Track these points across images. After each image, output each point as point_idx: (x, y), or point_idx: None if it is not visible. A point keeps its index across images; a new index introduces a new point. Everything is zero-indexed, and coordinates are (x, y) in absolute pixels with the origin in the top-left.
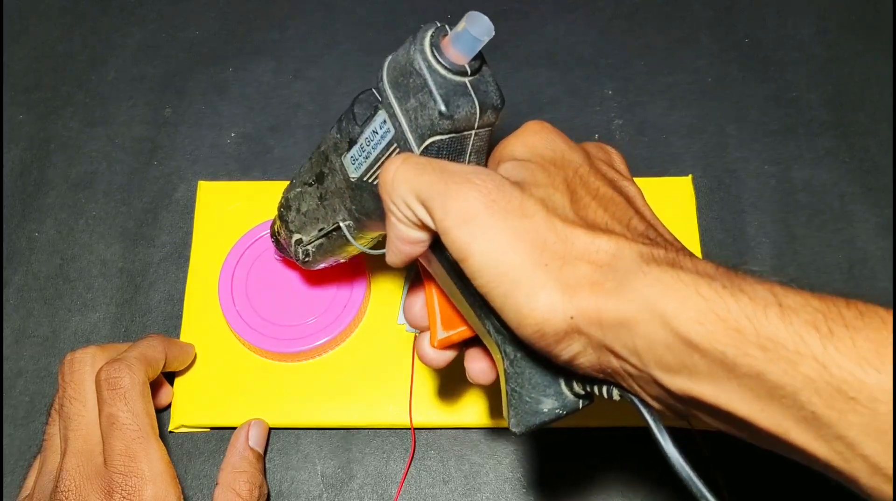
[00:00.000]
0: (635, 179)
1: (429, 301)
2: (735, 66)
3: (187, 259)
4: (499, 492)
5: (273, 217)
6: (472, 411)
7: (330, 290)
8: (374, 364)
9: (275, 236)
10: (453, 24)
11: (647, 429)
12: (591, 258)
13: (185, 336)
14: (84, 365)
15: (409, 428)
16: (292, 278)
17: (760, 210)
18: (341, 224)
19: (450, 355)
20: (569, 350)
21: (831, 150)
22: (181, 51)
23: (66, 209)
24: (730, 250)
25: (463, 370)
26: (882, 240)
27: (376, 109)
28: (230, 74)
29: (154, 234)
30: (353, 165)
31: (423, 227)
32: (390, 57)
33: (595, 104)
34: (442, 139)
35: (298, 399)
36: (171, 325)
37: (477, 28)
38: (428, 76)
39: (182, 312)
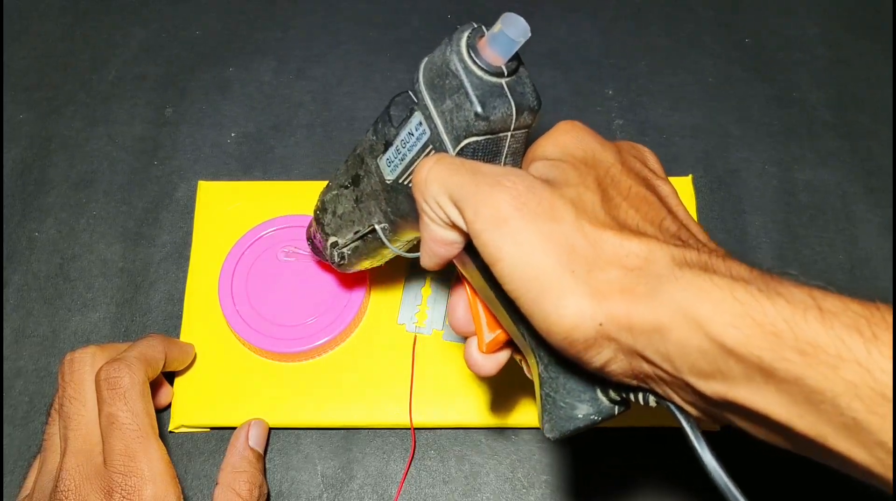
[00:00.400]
0: None
1: (472, 304)
2: (737, 66)
3: (187, 259)
4: (499, 492)
5: (309, 219)
6: (472, 411)
7: (330, 290)
8: (374, 364)
9: (310, 239)
10: (453, 24)
11: (683, 435)
12: (622, 262)
13: (185, 336)
14: (84, 365)
15: (409, 428)
16: (292, 278)
17: (762, 210)
18: (376, 227)
19: (502, 358)
20: (599, 357)
21: (833, 150)
22: (182, 50)
23: (66, 209)
24: (731, 250)
25: (463, 370)
26: (884, 240)
27: (412, 111)
28: (231, 74)
29: (154, 233)
30: (389, 167)
31: (456, 228)
32: (427, 58)
33: (596, 104)
34: (478, 141)
35: (298, 399)
36: (171, 325)
37: (513, 30)
38: (464, 77)
39: (182, 312)
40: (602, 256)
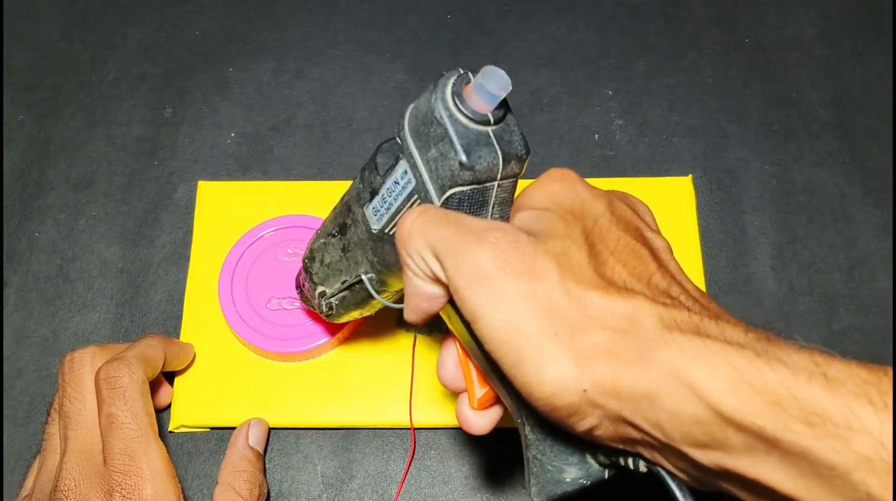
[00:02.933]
0: (635, 180)
1: (462, 359)
2: (736, 66)
3: (187, 259)
4: (499, 492)
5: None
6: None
7: None
8: (374, 364)
9: (299, 287)
10: (452, 24)
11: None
12: (607, 323)
13: (185, 336)
14: (84, 365)
15: (409, 428)
16: (292, 278)
17: (761, 211)
18: (363, 277)
19: (495, 414)
20: (584, 423)
21: (832, 151)
22: (181, 51)
23: (66, 209)
24: (730, 250)
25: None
26: (882, 241)
27: (398, 159)
28: (230, 74)
29: (154, 234)
30: (375, 216)
31: (440, 282)
32: (412, 105)
33: (596, 104)
34: (463, 191)
35: (298, 399)
36: (171, 325)
37: (493, 84)
38: (449, 125)
39: (182, 312)
40: (587, 317)
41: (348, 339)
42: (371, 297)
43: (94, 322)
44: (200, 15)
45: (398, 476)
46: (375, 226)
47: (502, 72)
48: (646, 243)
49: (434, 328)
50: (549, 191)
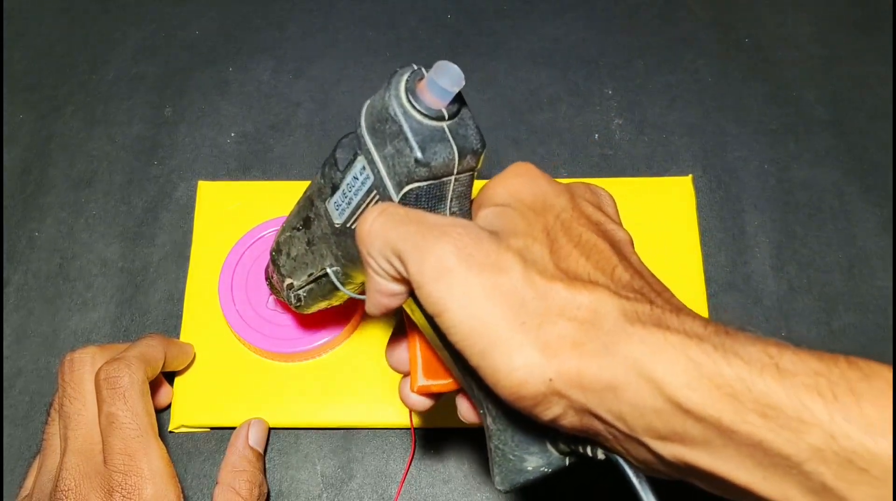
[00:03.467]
0: (635, 180)
1: (411, 348)
2: (734, 65)
3: (187, 259)
4: (499, 492)
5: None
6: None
7: None
8: (374, 364)
9: (269, 279)
10: (452, 24)
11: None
12: (572, 315)
13: (185, 336)
14: (84, 365)
15: (409, 428)
16: None
17: (760, 209)
18: (328, 270)
19: (431, 400)
20: (549, 412)
21: (830, 149)
22: (181, 50)
23: (66, 209)
24: (730, 249)
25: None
26: (881, 239)
27: (356, 155)
28: (230, 74)
29: (154, 233)
30: (337, 211)
31: (401, 280)
32: (368, 101)
33: (595, 103)
34: (420, 186)
35: (298, 399)
36: (171, 325)
37: (445, 79)
38: (403, 122)
39: (182, 312)
40: (552, 308)
41: (348, 339)
42: (337, 289)
43: (93, 321)
44: (200, 14)
45: (398, 476)
46: (337, 221)
47: (455, 67)
48: (608, 237)
49: (388, 322)
50: (511, 186)
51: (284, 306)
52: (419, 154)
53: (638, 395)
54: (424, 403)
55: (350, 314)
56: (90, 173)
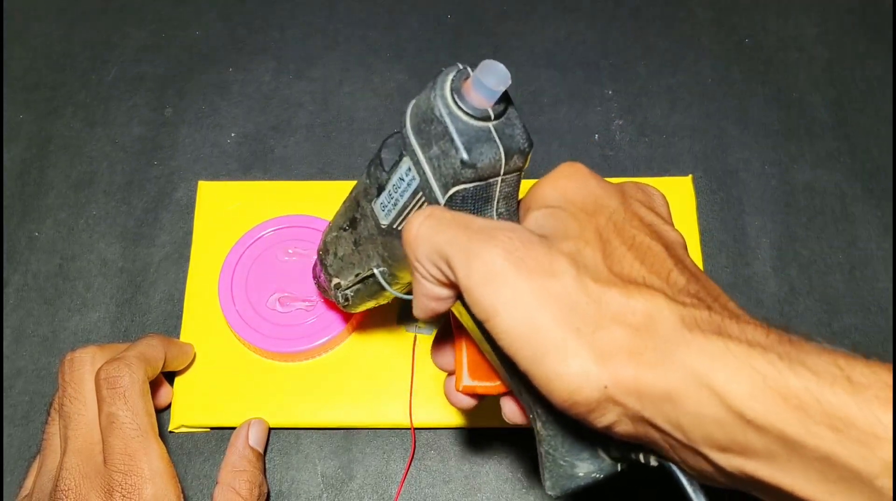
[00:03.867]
0: (635, 180)
1: (457, 349)
2: (736, 67)
3: (187, 259)
4: (499, 492)
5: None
6: (472, 411)
7: None
8: (374, 364)
9: (316, 277)
10: (452, 24)
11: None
12: (627, 321)
13: (185, 336)
14: (84, 365)
15: (410, 428)
16: (292, 278)
17: (761, 211)
18: (375, 271)
19: (475, 400)
20: (603, 419)
21: (832, 151)
22: (182, 51)
23: (66, 209)
24: (730, 250)
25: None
26: (883, 241)
27: (401, 156)
28: (231, 74)
29: (154, 234)
30: (383, 211)
31: (449, 284)
32: (413, 102)
33: (596, 105)
34: (466, 188)
35: (298, 399)
36: (171, 325)
37: (491, 79)
38: (449, 123)
39: (182, 312)
40: (606, 314)
41: (348, 339)
42: (384, 289)
43: (93, 322)
44: (201, 15)
45: (398, 476)
46: (384, 221)
47: (501, 66)
48: (661, 240)
49: (435, 324)
50: (561, 187)
51: (330, 304)
52: (465, 155)
53: (698, 405)
54: (469, 402)
55: (350, 313)
56: (90, 174)
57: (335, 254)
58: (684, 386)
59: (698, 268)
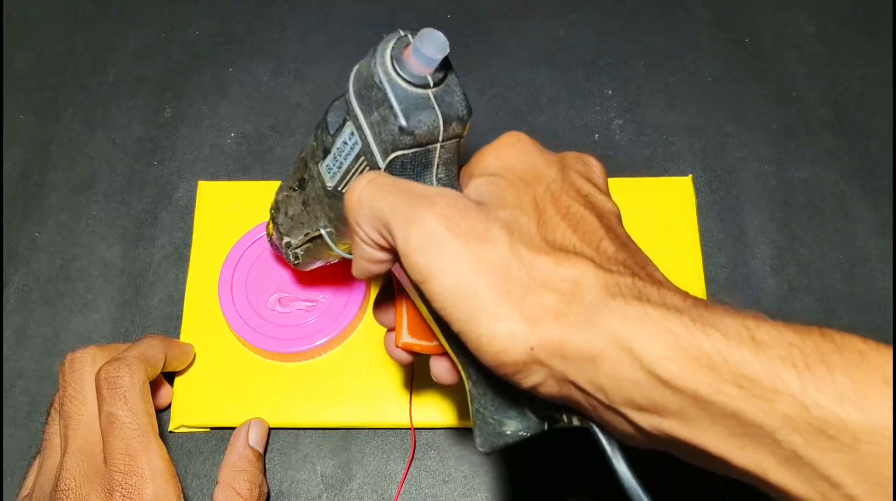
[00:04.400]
0: (635, 179)
1: (398, 308)
2: (735, 65)
3: (187, 259)
4: (499, 492)
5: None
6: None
7: (330, 290)
8: (374, 364)
9: (269, 236)
10: (451, 22)
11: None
12: (556, 287)
13: (185, 336)
14: (84, 365)
15: (409, 428)
16: (292, 278)
17: (760, 209)
18: (322, 231)
19: (412, 357)
20: (529, 379)
21: (831, 149)
22: (181, 51)
23: (66, 210)
24: (730, 249)
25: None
26: (882, 239)
27: (345, 121)
28: (230, 75)
29: (154, 234)
30: (329, 174)
31: (388, 248)
32: (356, 68)
33: (595, 104)
34: (405, 154)
35: (298, 399)
36: (171, 325)
37: (430, 47)
38: (388, 89)
39: (182, 312)
40: (536, 280)
41: (348, 339)
42: (331, 249)
43: (94, 322)
44: (200, 16)
45: (398, 476)
46: (329, 184)
47: (439, 34)
48: (596, 209)
49: (376, 283)
50: (503, 157)
51: (285, 265)
52: (403, 122)
53: (618, 367)
54: (406, 358)
55: (349, 312)
56: (90, 175)
57: (286, 213)
58: (606, 349)
59: (630, 238)
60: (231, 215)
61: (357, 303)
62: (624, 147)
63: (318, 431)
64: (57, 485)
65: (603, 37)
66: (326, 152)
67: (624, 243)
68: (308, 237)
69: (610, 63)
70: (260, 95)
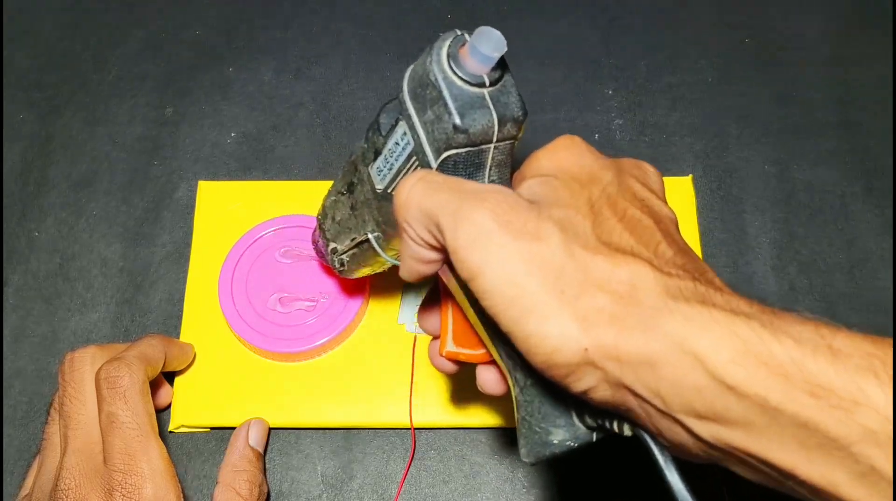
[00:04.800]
0: None
1: (443, 313)
2: (737, 66)
3: (187, 259)
4: (499, 492)
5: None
6: (472, 411)
7: (330, 290)
8: (374, 364)
9: (315, 242)
10: (453, 24)
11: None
12: (612, 288)
13: (185, 336)
14: (84, 364)
15: (410, 428)
16: (292, 278)
17: (761, 210)
18: (370, 236)
19: (457, 366)
20: (581, 383)
21: (833, 150)
22: (182, 50)
23: (66, 208)
24: (731, 249)
25: (463, 371)
26: (883, 240)
27: (398, 121)
28: (231, 74)
29: (154, 233)
30: (379, 176)
31: (437, 248)
32: (411, 67)
33: (596, 104)
34: (458, 153)
35: (298, 399)
36: (171, 325)
37: (486, 45)
38: (444, 88)
39: (182, 312)
40: (591, 280)
41: (348, 339)
42: (378, 255)
43: (93, 322)
44: (202, 14)
45: (398, 476)
46: (379, 186)
47: (497, 32)
48: (653, 214)
49: (424, 287)
50: (558, 158)
51: (324, 266)
52: (458, 120)
53: (678, 371)
54: (451, 367)
55: (349, 312)
56: (91, 173)
57: (333, 218)
58: (666, 353)
59: (687, 244)
60: (231, 214)
61: (357, 303)
62: (625, 147)
63: (319, 431)
64: (57, 485)
65: (604, 37)
66: (377, 154)
67: (682, 248)
68: (355, 243)
69: (611, 63)
70: (262, 95)
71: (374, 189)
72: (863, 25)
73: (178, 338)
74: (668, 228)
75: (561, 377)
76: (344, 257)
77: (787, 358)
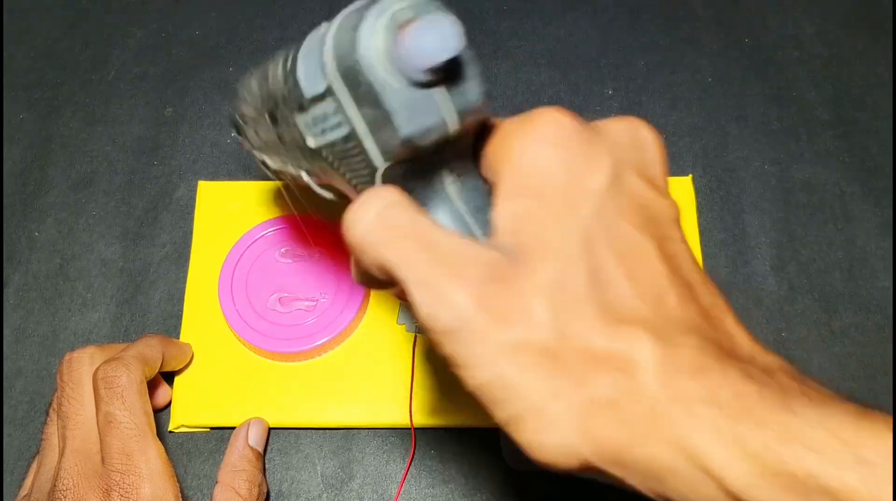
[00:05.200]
0: None
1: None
2: (736, 65)
3: (187, 259)
4: (499, 492)
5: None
6: (472, 411)
7: (330, 290)
8: (374, 364)
9: (234, 128)
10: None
11: None
12: (609, 366)
13: (184, 336)
14: (82, 365)
15: (410, 428)
16: (292, 278)
17: (760, 210)
18: (304, 176)
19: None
20: (583, 475)
21: (832, 149)
22: (182, 50)
23: (66, 208)
24: (730, 249)
25: None
26: (882, 240)
27: (326, 95)
28: (231, 74)
29: (154, 233)
30: (309, 133)
31: (395, 282)
32: (332, 34)
33: (595, 104)
34: (408, 160)
35: (298, 399)
36: (170, 325)
37: (432, 43)
38: (383, 93)
39: (182, 312)
40: (588, 362)
41: (348, 339)
42: (314, 189)
43: (93, 322)
44: (201, 14)
45: (398, 476)
46: (310, 144)
47: (448, 22)
48: (654, 230)
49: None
50: (539, 157)
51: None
52: (404, 133)
53: (689, 484)
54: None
55: (349, 312)
56: (90, 173)
57: (256, 132)
58: (672, 462)
59: (694, 261)
60: (231, 214)
61: (357, 303)
62: None
63: (319, 431)
64: (55, 485)
65: (604, 36)
66: (301, 109)
67: (688, 282)
68: (288, 170)
69: (610, 63)
70: None
71: (303, 139)
72: (861, 25)
73: (178, 338)
74: (673, 250)
75: (559, 472)
76: (272, 174)
77: (807, 474)
